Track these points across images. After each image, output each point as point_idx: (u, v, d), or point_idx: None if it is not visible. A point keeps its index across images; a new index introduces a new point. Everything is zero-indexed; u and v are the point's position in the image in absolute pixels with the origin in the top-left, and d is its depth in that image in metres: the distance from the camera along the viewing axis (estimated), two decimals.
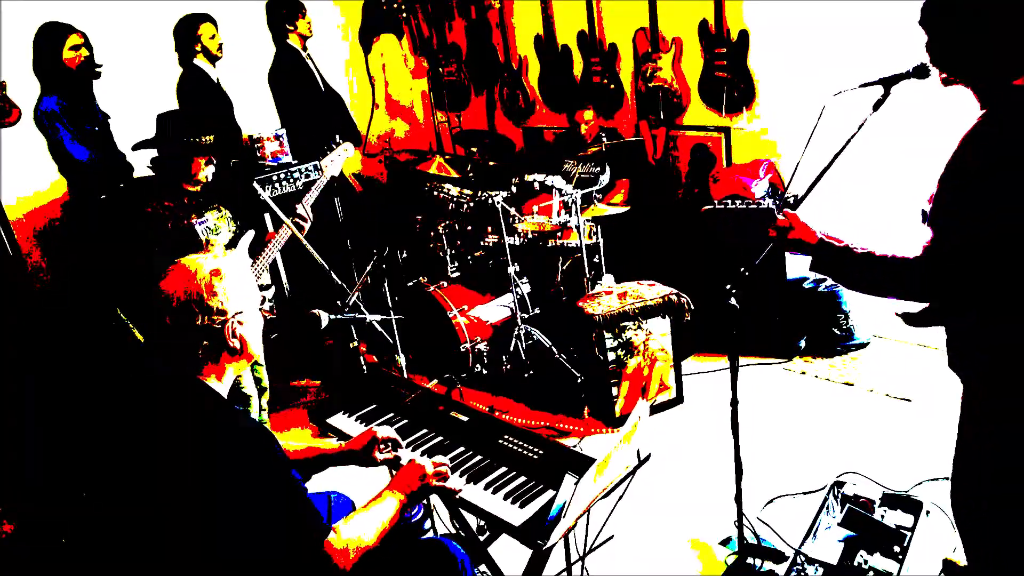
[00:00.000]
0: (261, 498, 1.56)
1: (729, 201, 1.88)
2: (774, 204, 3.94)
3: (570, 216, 3.88)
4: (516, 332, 3.95)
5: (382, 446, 2.07)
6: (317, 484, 2.81)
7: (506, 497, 1.93)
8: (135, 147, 3.33)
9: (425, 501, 2.73)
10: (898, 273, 1.68)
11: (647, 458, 2.06)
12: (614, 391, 3.57)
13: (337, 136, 3.81)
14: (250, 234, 3.32)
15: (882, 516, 2.61)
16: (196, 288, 1.64)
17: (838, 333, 3.93)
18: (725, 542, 2.74)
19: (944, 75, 1.67)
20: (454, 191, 4.30)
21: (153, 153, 3.27)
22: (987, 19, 1.57)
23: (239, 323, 1.69)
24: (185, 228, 3.18)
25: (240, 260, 1.80)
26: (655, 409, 3.63)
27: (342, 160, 3.71)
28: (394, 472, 2.00)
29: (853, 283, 1.79)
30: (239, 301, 1.69)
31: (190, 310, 1.63)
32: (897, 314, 1.83)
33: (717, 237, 2.03)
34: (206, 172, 3.19)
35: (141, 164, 3.92)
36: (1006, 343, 1.63)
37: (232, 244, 3.31)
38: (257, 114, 5.01)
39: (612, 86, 4.92)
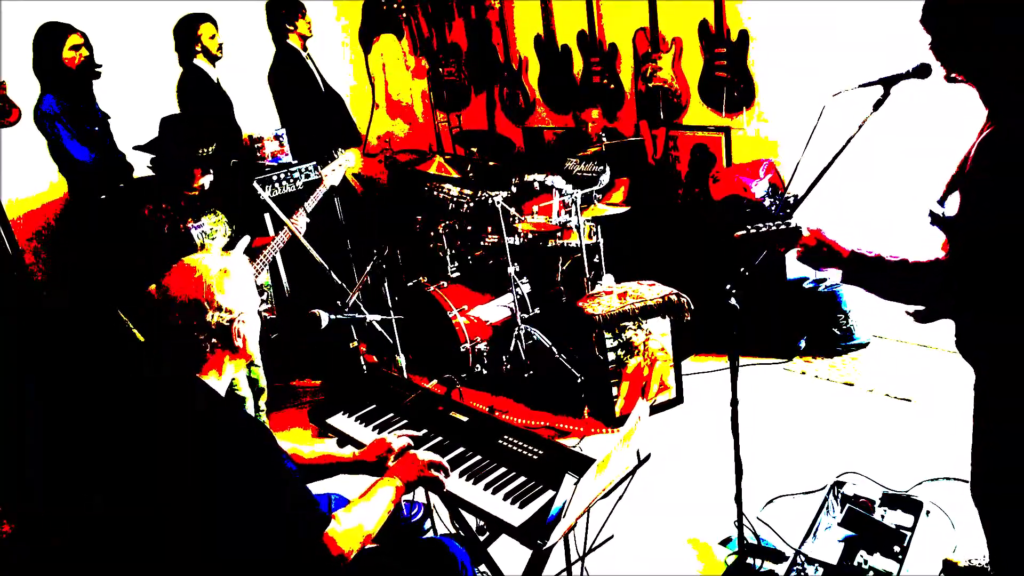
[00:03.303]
0: (259, 491, 1.57)
1: (761, 225, 1.88)
2: (777, 205, 3.95)
3: (570, 216, 3.88)
4: (516, 332, 3.95)
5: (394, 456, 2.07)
6: (317, 485, 2.80)
7: (506, 497, 1.93)
8: (137, 148, 3.34)
9: (425, 501, 2.73)
10: (929, 278, 1.69)
11: (647, 458, 2.06)
12: (614, 391, 3.57)
13: (339, 148, 3.81)
14: (246, 239, 3.33)
15: (882, 516, 2.61)
16: (207, 286, 1.67)
17: (838, 333, 3.93)
18: (725, 542, 2.74)
19: (947, 73, 1.67)
20: (454, 191, 4.30)
21: (147, 153, 3.28)
22: (986, 17, 1.57)
23: (242, 322, 1.71)
24: (181, 233, 3.20)
25: (244, 261, 1.83)
26: (655, 409, 3.63)
27: (343, 171, 3.72)
28: None
29: (885, 292, 1.80)
30: (243, 300, 1.72)
31: (200, 308, 1.65)
32: (908, 312, 1.83)
33: (747, 258, 2.04)
34: (204, 180, 3.22)
35: (141, 164, 3.93)
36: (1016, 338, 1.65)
37: (228, 249, 3.32)
38: (257, 114, 5.01)
39: (612, 86, 4.92)
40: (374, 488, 1.81)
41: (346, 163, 3.75)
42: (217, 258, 1.74)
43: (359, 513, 1.71)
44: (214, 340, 1.67)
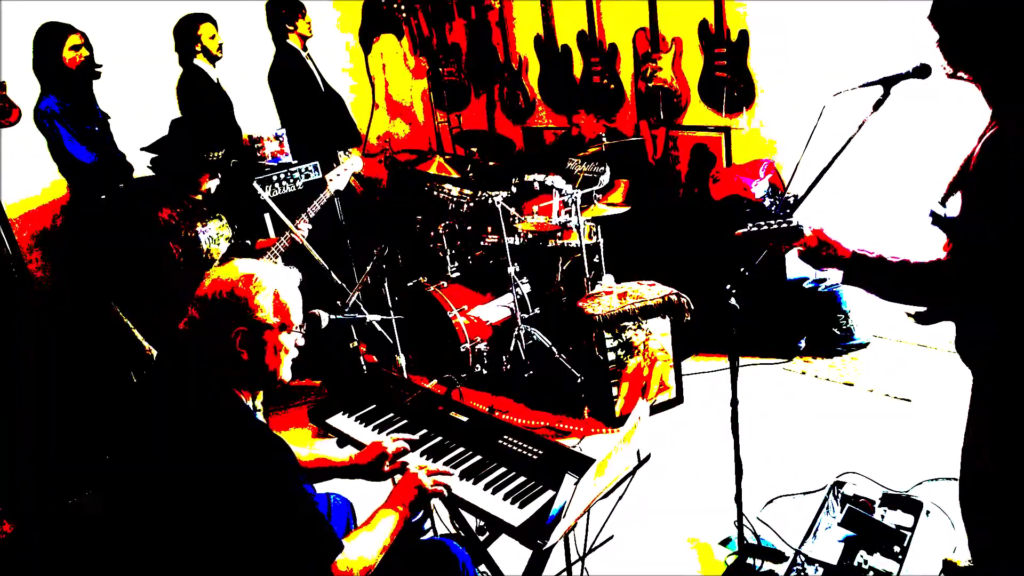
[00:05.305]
0: (274, 511, 1.55)
1: (763, 223, 1.89)
2: (777, 205, 3.95)
3: (570, 216, 3.88)
4: (516, 332, 3.95)
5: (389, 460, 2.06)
6: (317, 485, 2.81)
7: (506, 497, 1.93)
8: (144, 149, 3.34)
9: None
10: (930, 279, 1.69)
11: (647, 458, 2.06)
12: (614, 391, 3.57)
13: (342, 152, 3.80)
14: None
15: (882, 516, 2.61)
16: (227, 288, 1.62)
17: (838, 333, 3.92)
18: (725, 542, 2.74)
19: (952, 71, 1.67)
20: (454, 191, 4.30)
21: (154, 153, 3.29)
22: (995, 16, 1.57)
23: (264, 337, 1.64)
24: (191, 238, 3.21)
25: (286, 277, 1.73)
26: (655, 409, 3.62)
27: (348, 175, 3.70)
28: (398, 477, 2.00)
29: (886, 293, 1.79)
30: (266, 312, 1.64)
31: (218, 307, 1.61)
32: (908, 314, 1.83)
33: (747, 258, 2.04)
34: (211, 184, 3.24)
35: (141, 164, 3.93)
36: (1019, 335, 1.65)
37: (228, 253, 3.33)
38: (257, 114, 5.01)
39: (612, 86, 4.92)
40: (376, 517, 1.78)
41: (352, 168, 3.73)
42: (251, 264, 1.68)
43: (361, 544, 1.68)
44: (228, 348, 1.61)
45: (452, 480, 1.98)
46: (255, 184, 3.58)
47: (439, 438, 2.24)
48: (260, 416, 3.58)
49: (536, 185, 3.94)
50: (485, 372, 4.07)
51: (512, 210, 3.97)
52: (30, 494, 3.32)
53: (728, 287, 2.08)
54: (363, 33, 5.91)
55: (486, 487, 1.98)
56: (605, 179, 4.13)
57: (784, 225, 1.84)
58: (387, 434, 2.28)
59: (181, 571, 1.59)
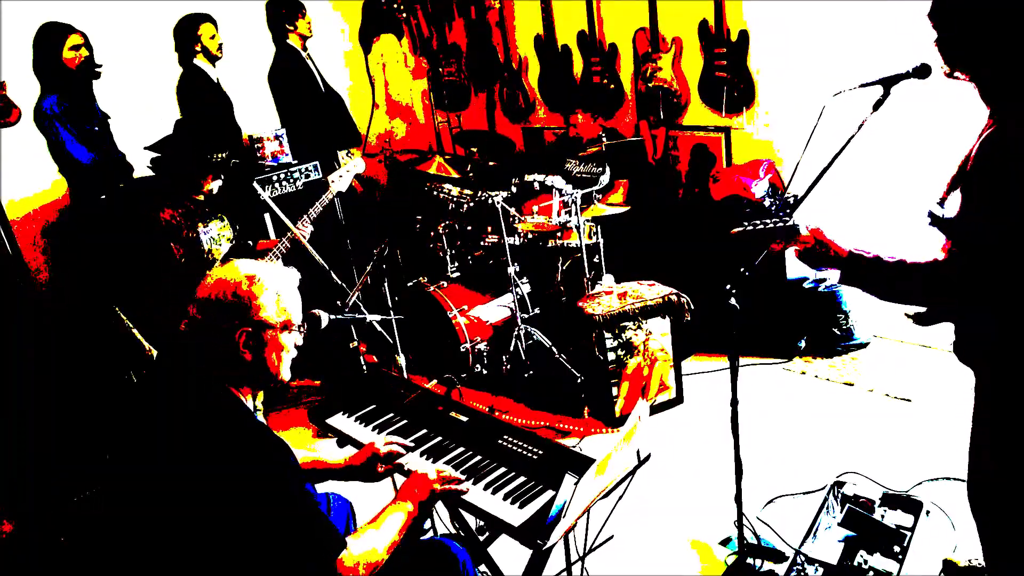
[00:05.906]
0: (275, 510, 1.54)
1: (758, 222, 1.89)
2: (777, 205, 3.95)
3: (570, 216, 3.88)
4: (516, 332, 3.95)
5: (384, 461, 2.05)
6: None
7: (505, 497, 1.93)
8: (148, 148, 3.34)
9: None
10: (927, 279, 1.69)
11: (647, 458, 2.06)
12: (614, 391, 3.56)
13: (343, 153, 3.80)
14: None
15: (882, 516, 2.61)
16: (230, 289, 1.62)
17: (838, 333, 3.92)
18: (725, 542, 2.74)
19: (950, 70, 1.67)
20: (454, 191, 4.30)
21: (157, 153, 3.29)
22: (994, 15, 1.57)
23: (265, 337, 1.64)
24: (190, 238, 3.22)
25: (283, 276, 1.73)
26: (655, 409, 3.62)
27: (350, 177, 3.70)
28: (398, 476, 1.99)
29: (883, 293, 1.79)
30: (269, 313, 1.65)
31: (220, 308, 1.61)
32: (907, 315, 1.83)
33: (747, 258, 2.05)
34: (213, 185, 3.24)
35: (141, 164, 3.93)
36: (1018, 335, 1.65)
37: (230, 253, 3.33)
38: (257, 114, 5.01)
39: (612, 86, 4.92)
40: (384, 514, 1.76)
41: (355, 169, 3.73)
42: (252, 265, 1.68)
43: (369, 540, 1.66)
44: (230, 348, 1.61)
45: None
46: (255, 184, 3.59)
47: (439, 438, 2.24)
48: (260, 416, 3.59)
49: (536, 185, 3.94)
50: (485, 372, 4.07)
51: (512, 210, 3.97)
52: (30, 494, 3.31)
53: (728, 287, 2.08)
54: (363, 33, 5.91)
55: (486, 487, 1.98)
56: (605, 179, 4.13)
57: (780, 224, 1.84)
58: (386, 434, 2.28)
59: (181, 571, 1.59)
